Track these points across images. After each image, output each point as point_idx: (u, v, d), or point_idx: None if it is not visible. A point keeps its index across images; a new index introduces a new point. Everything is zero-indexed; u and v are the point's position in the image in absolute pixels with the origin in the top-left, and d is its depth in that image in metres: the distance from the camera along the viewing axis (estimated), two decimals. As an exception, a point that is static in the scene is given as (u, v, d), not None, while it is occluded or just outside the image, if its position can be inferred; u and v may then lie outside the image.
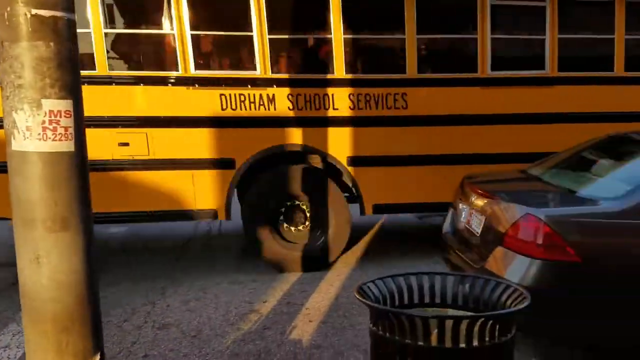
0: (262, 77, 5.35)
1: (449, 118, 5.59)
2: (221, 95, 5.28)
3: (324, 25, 5.44)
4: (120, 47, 5.57)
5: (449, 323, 2.05)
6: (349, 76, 5.49)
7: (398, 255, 6.20)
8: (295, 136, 5.45)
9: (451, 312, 2.49)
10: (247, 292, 5.12)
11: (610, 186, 3.69)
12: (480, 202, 4.00)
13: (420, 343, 2.06)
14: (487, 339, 2.08)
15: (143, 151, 5.20)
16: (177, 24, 5.15)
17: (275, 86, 5.37)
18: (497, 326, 2.11)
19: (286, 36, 5.62)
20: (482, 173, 4.77)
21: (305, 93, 5.40)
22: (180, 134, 5.25)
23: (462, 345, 2.04)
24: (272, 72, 5.36)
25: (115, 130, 5.14)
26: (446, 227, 4.63)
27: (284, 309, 4.66)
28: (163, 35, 5.37)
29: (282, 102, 5.37)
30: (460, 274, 2.66)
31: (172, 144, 5.25)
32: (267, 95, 5.35)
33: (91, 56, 5.05)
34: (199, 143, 5.28)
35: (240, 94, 5.32)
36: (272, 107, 5.36)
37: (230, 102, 5.31)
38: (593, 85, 5.82)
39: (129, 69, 5.51)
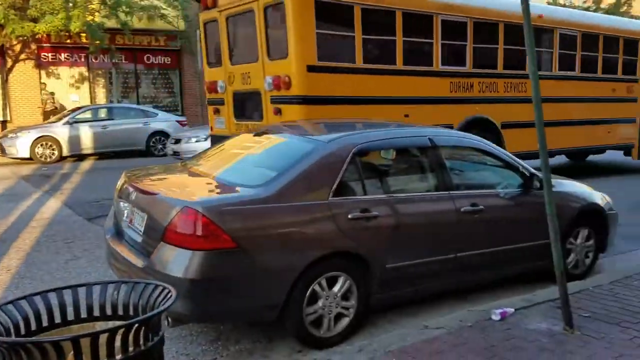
0: (468, 71, 8.90)
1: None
2: (450, 82, 8.65)
3: (494, 41, 9.20)
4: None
5: (85, 341, 1.85)
6: (505, 71, 9.34)
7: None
8: (481, 109, 8.95)
9: (100, 325, 2.30)
10: None
11: (259, 174, 4.04)
12: (140, 198, 3.88)
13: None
14: (131, 348, 1.96)
15: (420, 119, 7.33)
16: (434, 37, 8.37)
17: (473, 77, 8.91)
18: (144, 331, 2.02)
19: (477, 46, 8.95)
20: (141, 168, 4.66)
21: (485, 81, 9.09)
22: (431, 109, 8.33)
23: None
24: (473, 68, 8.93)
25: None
26: (108, 228, 4.36)
27: None
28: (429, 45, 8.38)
29: (476, 87, 8.96)
30: (111, 281, 2.47)
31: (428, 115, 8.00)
32: (469, 83, 8.90)
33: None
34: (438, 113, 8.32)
35: (458, 82, 8.76)
36: (471, 91, 8.95)
37: (454, 87, 8.70)
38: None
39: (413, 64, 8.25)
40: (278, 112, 7.16)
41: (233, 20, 7.93)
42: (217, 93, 8.46)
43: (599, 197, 5.39)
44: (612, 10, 29.27)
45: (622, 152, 12.03)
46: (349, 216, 3.79)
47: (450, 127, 8.18)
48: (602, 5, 30.20)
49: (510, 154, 4.97)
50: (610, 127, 11.06)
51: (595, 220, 5.27)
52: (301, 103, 6.94)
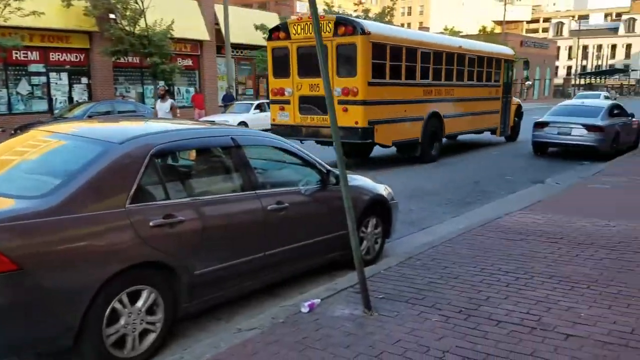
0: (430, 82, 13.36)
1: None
2: (423, 90, 13.12)
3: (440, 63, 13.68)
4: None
5: None
6: (444, 82, 13.89)
7: None
8: (434, 107, 13.32)
9: None
10: None
11: (39, 182, 3.52)
12: None
13: None
14: None
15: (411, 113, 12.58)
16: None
17: (432, 87, 13.45)
18: None
19: (434, 67, 13.47)
20: None
21: (436, 89, 13.48)
22: (415, 107, 12.79)
23: None
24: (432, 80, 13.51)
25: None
26: None
27: None
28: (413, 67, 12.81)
29: (433, 93, 13.38)
30: None
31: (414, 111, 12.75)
32: (430, 90, 13.39)
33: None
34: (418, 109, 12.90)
35: (425, 89, 13.17)
36: (431, 95, 13.47)
37: (425, 93, 13.22)
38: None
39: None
40: (345, 110, 11.19)
41: (303, 49, 11.71)
42: (284, 96, 12.28)
43: (383, 189, 5.98)
44: (378, 19, 33.30)
45: (489, 132, 17.25)
46: (151, 223, 3.53)
47: (421, 119, 12.94)
48: (370, 15, 34.14)
49: (308, 152, 5.20)
50: (485, 116, 16.22)
51: (381, 210, 5.82)
52: (363, 104, 11.27)
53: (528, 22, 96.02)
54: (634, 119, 15.15)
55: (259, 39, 28.44)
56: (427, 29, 51.04)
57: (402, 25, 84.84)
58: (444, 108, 13.82)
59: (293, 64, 11.95)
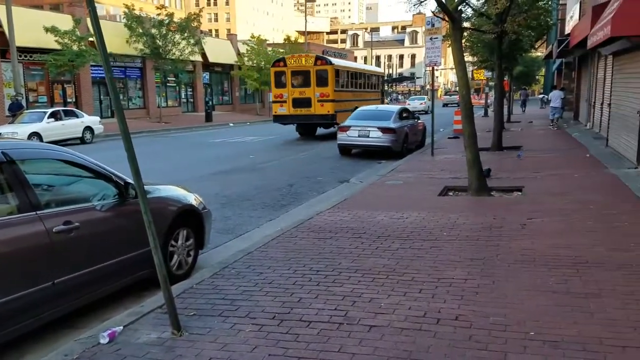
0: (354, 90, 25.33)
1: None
2: (352, 94, 24.48)
3: (354, 79, 25.58)
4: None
5: None
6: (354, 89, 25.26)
7: None
8: (356, 104, 21.61)
9: None
10: None
11: None
12: None
13: None
14: None
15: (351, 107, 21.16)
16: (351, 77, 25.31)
17: (354, 92, 25.20)
18: None
19: (353, 80, 25.27)
20: None
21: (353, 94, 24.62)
22: (352, 103, 22.59)
23: None
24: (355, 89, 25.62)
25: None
26: None
27: None
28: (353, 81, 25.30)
29: (356, 95, 24.90)
30: None
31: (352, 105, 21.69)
32: (353, 94, 24.79)
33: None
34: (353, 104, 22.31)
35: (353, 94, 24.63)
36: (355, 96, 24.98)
37: (355, 96, 24.86)
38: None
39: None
40: (322, 105, 21.36)
41: (294, 72, 21.79)
42: (282, 98, 21.93)
43: (193, 198, 5.74)
44: (184, 24, 32.63)
45: None
46: None
47: (352, 109, 18.37)
48: (175, 19, 33.21)
49: (103, 165, 4.72)
50: None
51: (192, 220, 5.58)
52: (332, 102, 21.30)
53: (328, 33, 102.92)
54: (419, 121, 17.13)
55: (50, 42, 25.74)
56: (234, 35, 51.33)
57: (210, 31, 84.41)
58: (358, 104, 21.77)
59: (288, 80, 22.09)
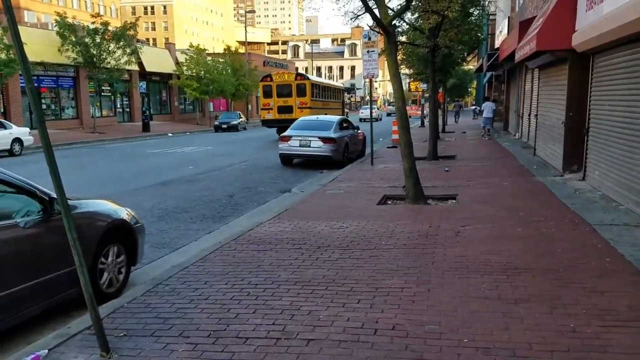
0: (321, 100, 31.78)
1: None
2: (321, 103, 31.19)
3: (323, 91, 32.91)
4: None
5: None
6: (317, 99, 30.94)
7: None
8: (319, 112, 27.07)
9: None
10: None
11: None
12: None
13: None
14: None
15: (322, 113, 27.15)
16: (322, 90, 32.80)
17: (320, 102, 31.19)
18: None
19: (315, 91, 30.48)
20: None
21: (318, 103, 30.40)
22: (317, 111, 27.84)
23: None
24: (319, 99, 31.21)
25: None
26: None
27: None
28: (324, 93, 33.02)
29: (318, 105, 30.04)
30: None
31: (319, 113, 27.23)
32: (320, 103, 30.83)
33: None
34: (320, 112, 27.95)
35: (320, 103, 30.66)
36: (320, 105, 30.96)
37: (322, 105, 30.79)
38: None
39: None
40: (302, 111, 26.97)
41: (279, 85, 28.63)
42: (269, 106, 28.62)
43: (124, 212, 5.52)
44: (120, 33, 31.75)
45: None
46: None
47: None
48: (111, 28, 32.24)
49: (25, 179, 4.45)
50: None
51: (124, 235, 5.36)
52: (309, 108, 27.62)
53: (269, 43, 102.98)
54: (359, 131, 17.38)
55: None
56: (173, 45, 50.36)
57: (147, 39, 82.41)
58: (327, 111, 28.44)
59: (274, 92, 28.16)
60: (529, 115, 17.66)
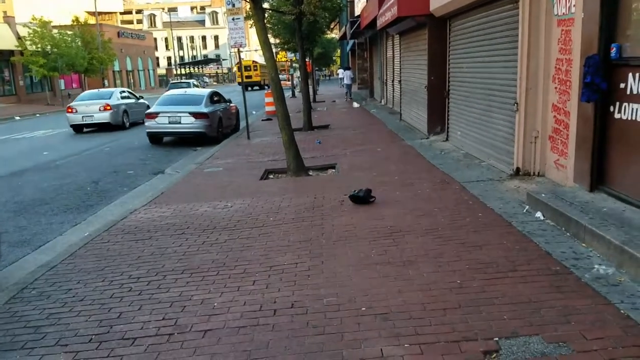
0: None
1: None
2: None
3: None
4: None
5: None
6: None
7: None
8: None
9: None
10: None
11: None
12: None
13: None
14: None
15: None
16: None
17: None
18: None
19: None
20: None
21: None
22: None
23: None
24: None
25: None
26: None
27: None
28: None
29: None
30: None
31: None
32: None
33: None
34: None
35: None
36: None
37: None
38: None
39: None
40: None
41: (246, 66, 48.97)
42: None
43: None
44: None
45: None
46: None
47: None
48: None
49: None
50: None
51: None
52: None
53: (122, 13, 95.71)
54: (231, 104, 16.89)
55: None
56: (12, 18, 44.61)
57: (-22, 10, 72.06)
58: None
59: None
60: (393, 81, 18.47)
